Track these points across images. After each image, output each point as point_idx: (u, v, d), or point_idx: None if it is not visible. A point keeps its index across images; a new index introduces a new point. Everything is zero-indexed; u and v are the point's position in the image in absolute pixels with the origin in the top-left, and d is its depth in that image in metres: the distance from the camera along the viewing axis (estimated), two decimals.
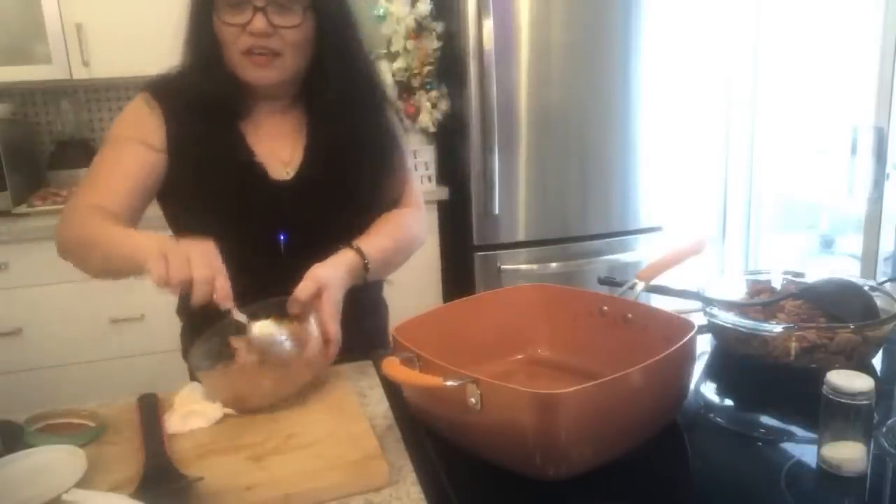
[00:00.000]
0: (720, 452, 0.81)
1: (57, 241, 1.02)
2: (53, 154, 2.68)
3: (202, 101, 1.05)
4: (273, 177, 1.08)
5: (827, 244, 2.96)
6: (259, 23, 0.98)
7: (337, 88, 1.06)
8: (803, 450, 0.77)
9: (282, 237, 1.06)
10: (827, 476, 0.71)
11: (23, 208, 2.40)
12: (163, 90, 1.09)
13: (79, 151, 2.70)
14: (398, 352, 0.82)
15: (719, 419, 0.90)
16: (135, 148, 1.04)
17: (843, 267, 2.68)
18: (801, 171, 2.82)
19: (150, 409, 0.87)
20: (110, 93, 2.83)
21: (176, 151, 1.05)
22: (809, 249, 3.02)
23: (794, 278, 1.11)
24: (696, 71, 2.81)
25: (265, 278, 0.95)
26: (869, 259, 2.23)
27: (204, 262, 0.83)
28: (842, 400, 0.69)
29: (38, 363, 2.29)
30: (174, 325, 2.14)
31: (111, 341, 2.34)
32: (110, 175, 1.04)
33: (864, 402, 0.68)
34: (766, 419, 0.88)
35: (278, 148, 1.10)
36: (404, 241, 1.13)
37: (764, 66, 2.81)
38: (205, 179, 1.04)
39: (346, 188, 1.09)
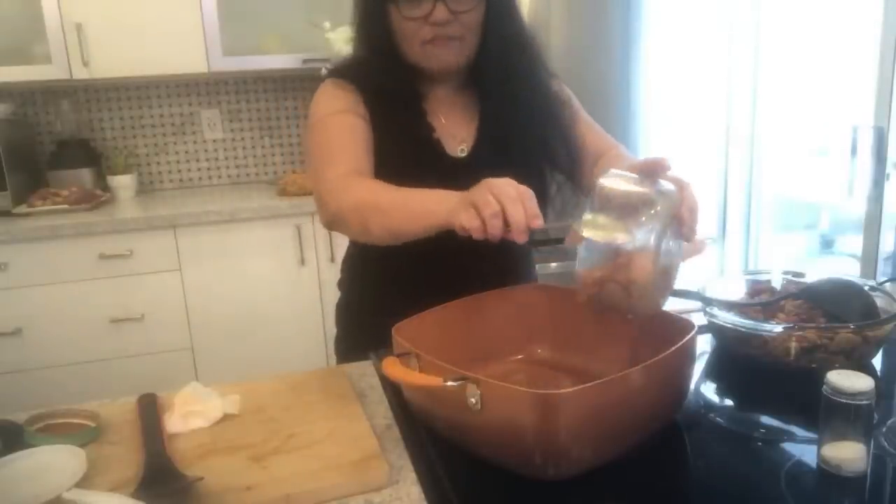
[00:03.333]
0: (720, 452, 0.81)
1: (325, 215, 1.03)
2: (53, 154, 2.69)
3: (383, 87, 1.09)
4: (449, 153, 1.12)
5: (827, 244, 2.95)
6: (440, 13, 1.01)
7: (505, 67, 1.09)
8: (803, 450, 0.77)
9: None
10: (827, 476, 0.71)
11: (23, 208, 2.41)
12: (346, 75, 1.12)
13: (79, 151, 2.71)
14: (398, 351, 0.82)
15: (719, 419, 0.90)
16: (352, 118, 1.08)
17: (843, 267, 2.68)
18: (801, 171, 2.81)
19: (150, 409, 0.87)
20: (110, 93, 2.83)
21: (372, 124, 1.10)
22: (809, 249, 3.02)
23: (794, 278, 1.11)
24: (696, 71, 2.81)
25: (443, 250, 0.97)
26: (869, 259, 2.23)
27: (510, 194, 0.79)
28: (842, 400, 0.69)
29: (38, 363, 2.29)
30: (174, 325, 2.17)
31: (111, 341, 2.34)
32: (346, 145, 1.06)
33: (864, 402, 0.68)
34: (766, 419, 0.88)
35: (453, 127, 1.14)
36: None
37: (764, 65, 2.81)
38: (390, 153, 1.08)
39: (520, 166, 1.07)
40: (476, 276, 1.01)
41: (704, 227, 3.10)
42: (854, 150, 2.18)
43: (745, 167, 2.92)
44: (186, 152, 2.96)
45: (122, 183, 2.72)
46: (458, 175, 1.07)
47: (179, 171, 2.97)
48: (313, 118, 1.11)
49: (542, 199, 1.17)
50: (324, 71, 1.21)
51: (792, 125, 2.78)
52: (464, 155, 1.13)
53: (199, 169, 2.98)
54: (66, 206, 2.41)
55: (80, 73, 2.44)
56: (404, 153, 1.07)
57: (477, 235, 0.80)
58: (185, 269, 2.37)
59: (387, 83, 1.09)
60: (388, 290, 1.18)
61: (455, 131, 1.14)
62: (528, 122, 1.12)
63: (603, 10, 2.36)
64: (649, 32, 2.41)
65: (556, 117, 1.16)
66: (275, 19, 2.65)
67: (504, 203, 0.78)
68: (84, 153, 2.72)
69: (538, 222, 0.78)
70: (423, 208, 0.90)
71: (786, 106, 2.77)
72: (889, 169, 2.13)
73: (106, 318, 2.32)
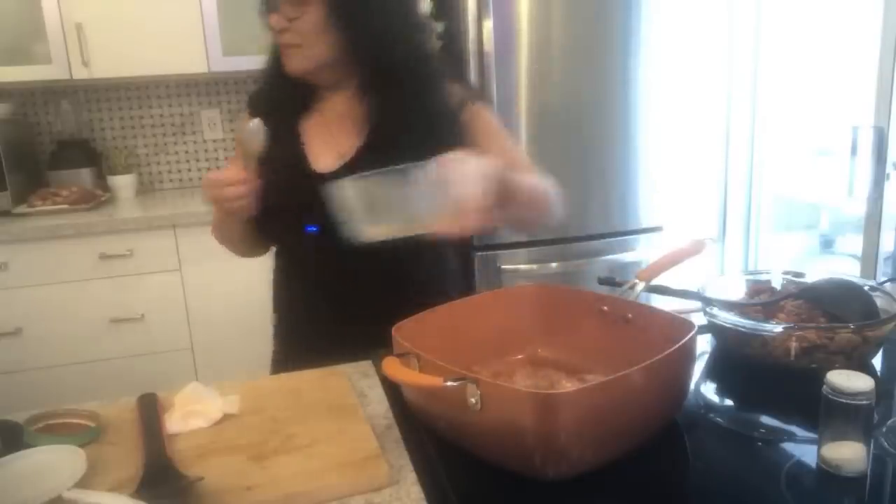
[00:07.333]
0: (720, 452, 0.81)
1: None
2: (53, 154, 2.69)
3: (273, 97, 1.15)
4: (318, 170, 1.11)
5: (827, 244, 2.96)
6: (273, 20, 1.06)
7: (366, 72, 1.09)
8: (803, 450, 0.77)
9: (312, 228, 1.10)
10: (827, 476, 0.71)
11: (23, 208, 2.41)
12: (254, 98, 1.22)
13: (79, 151, 2.71)
14: (398, 352, 0.82)
15: (719, 419, 0.90)
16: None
17: (843, 267, 2.68)
18: (801, 171, 2.82)
19: (150, 409, 0.87)
20: (110, 93, 2.83)
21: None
22: (809, 249, 3.02)
23: (794, 278, 1.11)
24: (697, 71, 2.81)
25: (317, 270, 1.12)
26: (869, 259, 2.23)
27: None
28: (842, 400, 0.69)
29: (38, 363, 2.29)
30: (174, 325, 2.14)
31: (111, 341, 2.34)
32: None
33: (864, 402, 0.68)
34: (766, 419, 0.88)
35: (338, 139, 1.13)
36: (536, 187, 1.06)
37: (764, 65, 2.82)
38: (265, 179, 1.08)
39: None
40: (396, 287, 1.05)
41: (705, 227, 3.11)
42: (854, 150, 2.19)
43: (745, 167, 2.93)
44: (186, 152, 2.96)
45: (122, 183, 2.72)
46: (321, 190, 1.06)
47: (179, 171, 2.97)
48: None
49: None
50: None
51: (792, 125, 2.78)
52: (333, 169, 1.09)
53: (199, 169, 2.98)
54: (66, 206, 2.41)
55: (80, 73, 2.44)
56: (273, 177, 1.06)
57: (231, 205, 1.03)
58: (185, 269, 2.37)
59: (276, 90, 1.14)
60: (311, 307, 1.19)
61: (339, 145, 1.12)
62: (411, 131, 1.08)
63: (603, 10, 2.36)
64: (649, 32, 2.41)
65: (440, 129, 1.10)
66: None
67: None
68: (84, 153, 2.72)
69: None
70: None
71: (786, 106, 2.77)
72: (889, 169, 2.13)
73: (106, 318, 2.32)
